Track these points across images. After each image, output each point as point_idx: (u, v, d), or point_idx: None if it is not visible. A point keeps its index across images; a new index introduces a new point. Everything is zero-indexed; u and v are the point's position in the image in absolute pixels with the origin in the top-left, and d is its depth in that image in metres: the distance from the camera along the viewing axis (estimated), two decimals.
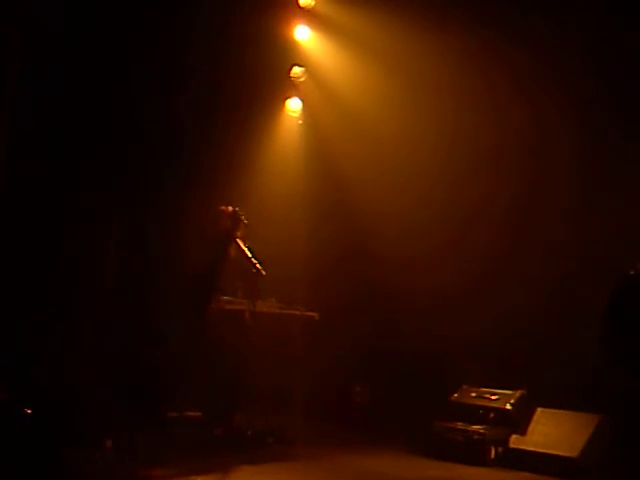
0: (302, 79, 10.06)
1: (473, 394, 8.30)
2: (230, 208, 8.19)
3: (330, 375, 9.10)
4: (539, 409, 7.87)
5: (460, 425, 7.99)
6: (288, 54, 9.91)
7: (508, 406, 7.96)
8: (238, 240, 8.03)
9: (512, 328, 8.53)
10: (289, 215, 9.67)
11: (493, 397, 8.14)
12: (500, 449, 7.77)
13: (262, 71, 9.59)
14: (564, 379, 7.91)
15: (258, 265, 7.78)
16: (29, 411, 6.32)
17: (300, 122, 10.12)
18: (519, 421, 7.85)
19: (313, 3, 9.82)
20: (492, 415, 7.96)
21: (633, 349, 5.98)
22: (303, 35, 9.93)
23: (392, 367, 9.39)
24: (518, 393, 8.08)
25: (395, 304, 9.53)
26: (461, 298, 9.03)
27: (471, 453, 7.75)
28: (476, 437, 7.79)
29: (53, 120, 8.03)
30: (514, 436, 7.76)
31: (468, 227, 9.26)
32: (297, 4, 9.80)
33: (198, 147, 9.04)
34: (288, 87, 10.07)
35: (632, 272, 6.18)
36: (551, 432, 7.60)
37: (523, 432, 7.75)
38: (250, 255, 7.87)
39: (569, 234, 8.47)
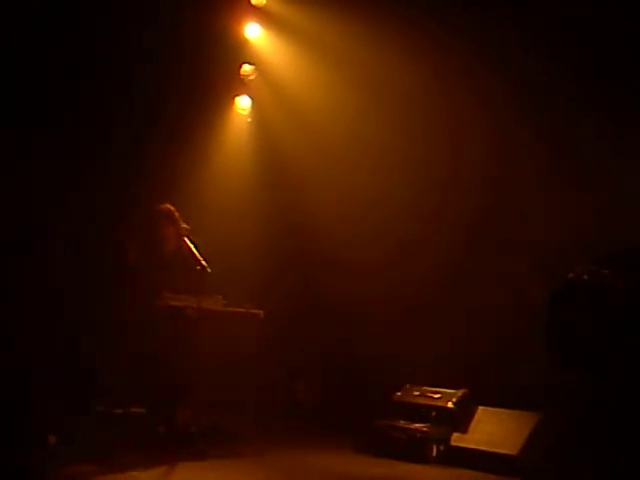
0: (252, 77, 10.05)
1: (416, 393, 8.37)
2: (165, 207, 8.15)
3: (276, 373, 9.12)
4: (480, 408, 7.97)
5: (403, 423, 8.06)
6: (238, 52, 9.88)
7: (450, 404, 8.04)
8: (184, 237, 7.99)
9: (458, 331, 8.69)
10: (238, 212, 9.65)
11: (436, 396, 8.21)
12: (442, 447, 7.84)
13: (211, 68, 9.55)
14: (506, 379, 8.05)
15: (203, 262, 7.74)
16: None
17: (249, 120, 10.13)
18: (461, 420, 7.92)
19: (264, 1, 9.81)
20: (434, 413, 8.04)
21: (579, 350, 6.08)
22: (254, 33, 9.91)
23: (338, 366, 9.45)
24: (460, 392, 8.16)
25: (345, 303, 9.57)
26: (411, 301, 9.12)
27: (414, 451, 7.81)
28: (418, 435, 7.86)
29: None
30: (456, 434, 7.85)
31: (421, 230, 9.32)
32: (249, 2, 9.79)
33: (144, 143, 8.94)
34: (238, 85, 10.05)
35: (571, 275, 6.29)
36: (492, 430, 7.69)
37: (465, 430, 7.85)
38: (195, 251, 7.84)
39: (524, 236, 8.59)
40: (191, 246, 7.90)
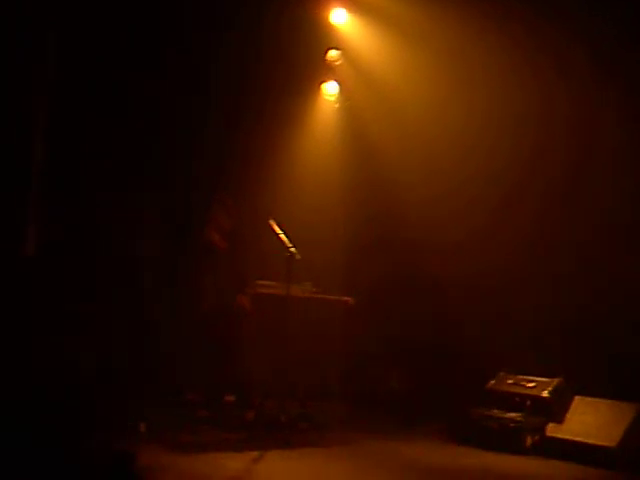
0: (338, 62, 9.95)
1: (510, 381, 8.18)
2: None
3: (365, 361, 9.04)
4: (577, 397, 7.75)
5: (496, 413, 7.88)
6: (324, 37, 9.80)
7: (545, 394, 7.82)
8: (272, 223, 7.96)
9: (551, 316, 8.45)
10: (327, 200, 9.59)
11: (530, 384, 8.00)
12: (537, 437, 7.64)
13: (298, 54, 9.49)
14: (602, 367, 7.80)
15: (292, 249, 7.70)
16: None
17: (337, 105, 10.04)
18: (557, 409, 7.72)
19: None
20: (529, 403, 7.84)
21: None
22: (339, 18, 9.81)
23: (429, 354, 9.29)
24: (556, 381, 7.93)
25: (432, 291, 9.45)
26: (499, 285, 8.94)
27: (507, 441, 7.63)
28: (512, 425, 7.67)
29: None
30: (551, 424, 7.64)
31: (507, 214, 9.09)
32: None
33: (232, 131, 8.96)
34: (324, 70, 9.97)
35: None
36: (589, 421, 7.48)
37: (560, 420, 7.64)
38: (284, 238, 7.80)
39: (613, 220, 8.33)
40: (280, 233, 7.87)
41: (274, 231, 7.90)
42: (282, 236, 7.84)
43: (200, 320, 7.99)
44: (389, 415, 8.96)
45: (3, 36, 7.61)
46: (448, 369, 9.01)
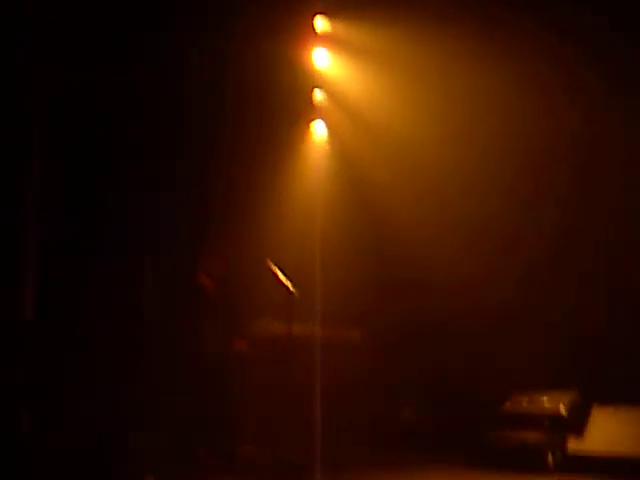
0: (324, 103, 9.99)
1: (525, 401, 8.01)
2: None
3: (378, 398, 8.87)
4: (595, 408, 7.57)
5: (515, 434, 7.71)
6: (308, 79, 9.85)
7: (562, 411, 7.67)
8: (269, 263, 7.90)
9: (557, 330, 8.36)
10: (324, 239, 9.52)
11: (545, 401, 7.82)
12: (558, 454, 7.45)
13: (283, 97, 9.53)
14: (615, 373, 7.64)
15: (290, 286, 7.62)
16: None
17: (326, 144, 10.04)
18: (575, 423, 7.54)
19: (330, 29, 9.78)
20: (546, 421, 7.66)
21: None
22: (322, 60, 9.87)
23: (441, 386, 9.15)
24: (570, 394, 7.78)
25: (440, 320, 9.33)
26: (505, 309, 8.84)
27: (529, 461, 7.45)
28: (532, 444, 7.49)
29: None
30: (572, 439, 7.46)
31: (511, 240, 9.08)
32: (314, 30, 9.76)
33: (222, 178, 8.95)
34: (311, 111, 10.00)
35: None
36: (610, 430, 7.29)
37: (580, 433, 7.46)
38: (282, 277, 7.73)
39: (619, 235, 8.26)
40: (277, 272, 7.80)
41: (272, 271, 7.85)
42: (280, 275, 7.78)
43: (200, 367, 7.90)
44: (409, 447, 8.77)
45: None
46: (462, 398, 8.83)
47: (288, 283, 7.64)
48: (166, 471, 7.54)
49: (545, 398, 7.89)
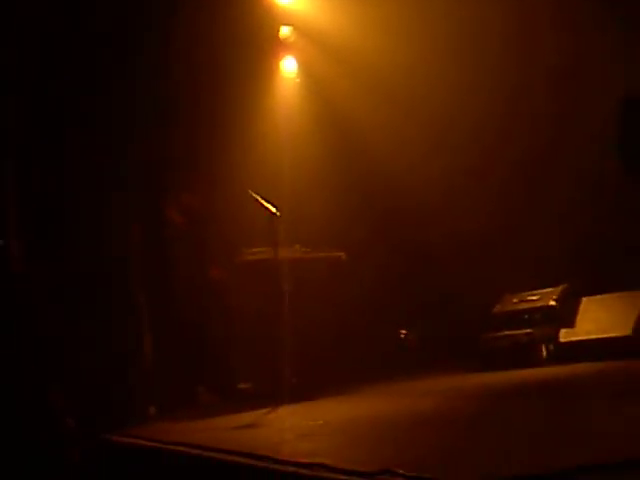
0: (292, 39, 9.99)
1: (515, 300, 8.07)
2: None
3: (369, 317, 8.91)
4: (584, 298, 7.64)
5: (507, 332, 7.76)
6: (273, 17, 9.84)
7: (552, 302, 7.73)
8: (250, 192, 7.91)
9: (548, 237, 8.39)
10: (304, 171, 9.52)
11: (535, 298, 7.90)
12: (551, 347, 7.52)
13: (251, 36, 9.53)
14: (605, 266, 7.69)
15: (272, 208, 7.64)
16: None
17: (297, 80, 10.04)
18: (566, 315, 7.61)
19: None
20: (538, 315, 7.72)
21: None
22: None
23: (431, 300, 9.21)
24: (560, 288, 7.83)
25: (427, 239, 9.39)
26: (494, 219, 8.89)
27: (522, 357, 7.52)
28: (525, 339, 7.55)
29: None
30: (563, 330, 7.52)
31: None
32: None
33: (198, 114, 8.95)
34: (279, 48, 9.99)
35: None
36: (600, 317, 7.37)
37: (572, 324, 7.51)
38: (265, 203, 7.74)
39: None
40: (259, 199, 7.81)
41: (254, 199, 7.86)
42: (262, 201, 7.79)
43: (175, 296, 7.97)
44: (409, 363, 8.83)
45: None
46: (455, 311, 8.89)
47: (270, 206, 7.67)
48: (167, 404, 7.67)
49: (534, 295, 7.94)
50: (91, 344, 7.72)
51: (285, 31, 9.96)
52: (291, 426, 5.73)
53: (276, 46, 9.91)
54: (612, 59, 8.23)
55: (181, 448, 5.18)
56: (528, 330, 7.62)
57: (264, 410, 6.69)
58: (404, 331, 9.46)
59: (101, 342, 7.77)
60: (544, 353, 7.50)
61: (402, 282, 9.34)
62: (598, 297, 7.56)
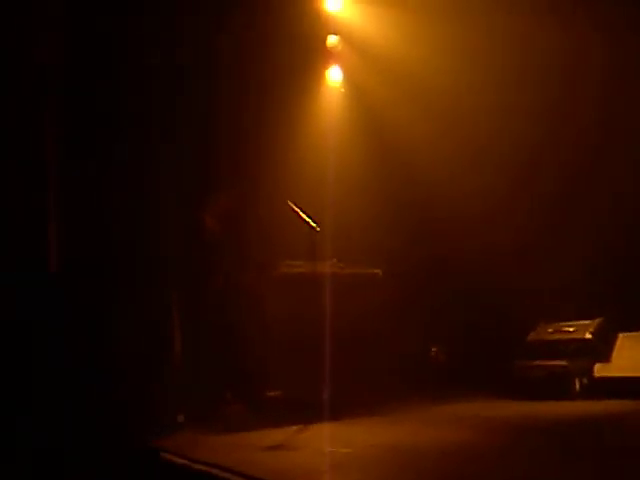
0: (338, 48, 9.94)
1: (550, 330, 8.01)
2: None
3: (403, 333, 8.88)
4: (621, 334, 7.56)
5: (541, 362, 7.71)
6: (322, 25, 9.80)
7: (588, 335, 7.65)
8: (290, 204, 7.90)
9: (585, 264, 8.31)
10: (350, 179, 9.47)
11: (571, 329, 7.83)
12: (585, 380, 7.46)
13: (297, 45, 9.50)
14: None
15: (312, 223, 7.62)
16: None
17: (342, 90, 10.00)
18: (602, 349, 7.55)
19: None
20: (573, 347, 7.66)
21: None
22: (334, 5, 9.81)
23: (468, 320, 9.15)
24: (597, 321, 7.76)
25: (464, 256, 9.33)
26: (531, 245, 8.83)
27: (556, 388, 7.47)
28: (559, 371, 7.50)
29: None
30: (598, 365, 7.46)
31: (533, 171, 9.06)
32: None
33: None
34: (326, 58, 9.95)
35: None
36: (636, 355, 7.28)
37: (607, 359, 7.45)
38: (302, 215, 7.73)
39: None
40: (297, 210, 7.80)
41: (293, 211, 7.85)
42: (302, 214, 7.78)
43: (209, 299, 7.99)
44: (439, 384, 8.79)
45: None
46: (490, 332, 8.83)
47: (310, 220, 7.65)
48: (194, 410, 7.67)
49: (570, 326, 7.88)
50: (125, 342, 7.77)
51: (332, 40, 9.95)
52: (322, 452, 5.74)
53: (324, 55, 9.91)
54: None
55: (212, 470, 5.21)
56: (563, 362, 7.55)
57: (295, 427, 6.70)
58: (434, 348, 9.42)
59: (134, 340, 7.83)
60: (577, 386, 7.43)
61: (434, 297, 9.30)
62: (635, 334, 7.47)
